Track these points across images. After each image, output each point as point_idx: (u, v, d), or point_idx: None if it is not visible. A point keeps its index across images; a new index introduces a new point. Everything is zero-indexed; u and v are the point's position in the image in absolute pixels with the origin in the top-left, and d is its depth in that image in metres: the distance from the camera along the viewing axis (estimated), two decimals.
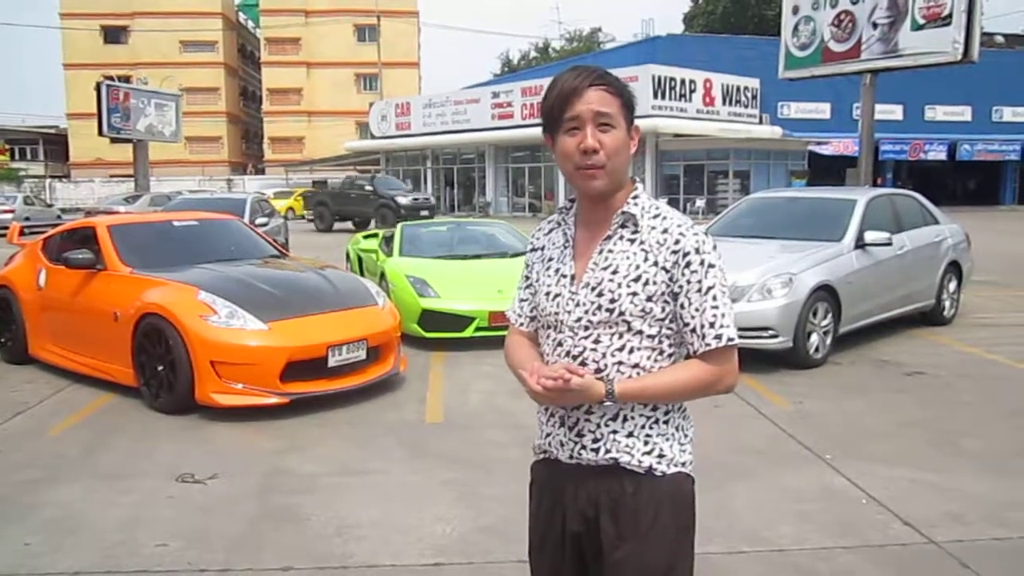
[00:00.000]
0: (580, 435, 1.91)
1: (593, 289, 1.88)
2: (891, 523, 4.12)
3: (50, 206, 34.14)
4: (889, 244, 8.17)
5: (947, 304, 9.47)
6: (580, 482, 1.93)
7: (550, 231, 2.05)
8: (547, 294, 1.95)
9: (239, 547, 3.92)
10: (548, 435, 1.99)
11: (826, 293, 7.53)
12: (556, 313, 1.92)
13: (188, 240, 7.72)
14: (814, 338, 7.44)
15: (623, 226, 1.90)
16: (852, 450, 5.21)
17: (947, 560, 3.74)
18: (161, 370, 6.13)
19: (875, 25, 15.31)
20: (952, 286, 9.55)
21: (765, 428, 5.75)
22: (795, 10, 17.06)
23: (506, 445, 5.41)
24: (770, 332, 7.16)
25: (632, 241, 1.88)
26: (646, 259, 1.85)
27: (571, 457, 1.93)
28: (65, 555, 3.83)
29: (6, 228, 12.40)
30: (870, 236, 8.05)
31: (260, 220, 13.69)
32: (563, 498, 1.96)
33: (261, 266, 7.41)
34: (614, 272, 1.87)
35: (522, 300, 2.08)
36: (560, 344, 1.92)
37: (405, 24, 59.65)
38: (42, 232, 8.62)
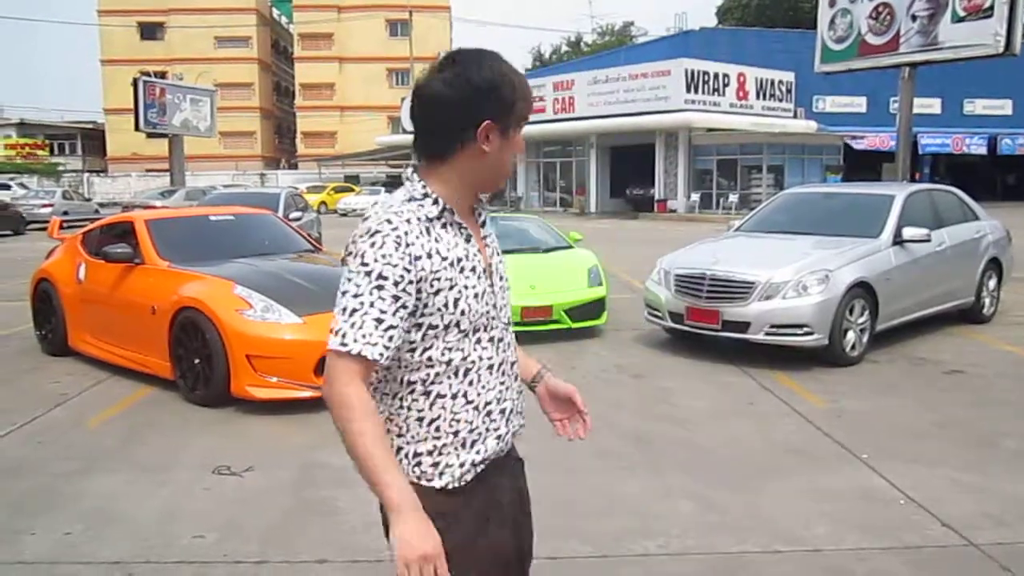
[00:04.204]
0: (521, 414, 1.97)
1: (501, 277, 1.91)
2: (929, 524, 4.06)
3: (88, 200, 34.65)
4: (928, 240, 8.03)
5: (987, 302, 9.31)
6: (510, 472, 1.96)
7: (427, 236, 1.74)
8: (476, 295, 1.79)
9: (274, 539, 3.95)
10: (499, 436, 1.87)
11: (863, 290, 7.43)
12: (487, 312, 1.82)
13: (224, 235, 7.82)
14: (850, 335, 7.34)
15: (481, 213, 1.93)
16: (889, 450, 5.14)
17: (987, 563, 3.67)
18: (198, 363, 6.20)
19: (914, 18, 15.09)
20: (992, 283, 9.39)
21: (801, 426, 5.69)
22: (832, 3, 16.86)
23: (536, 439, 5.39)
24: (806, 329, 7.08)
25: (484, 225, 1.92)
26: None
27: (502, 449, 1.90)
28: (104, 545, 3.89)
29: (46, 222, 12.62)
30: (908, 232, 7.92)
31: (294, 215, 13.81)
32: (501, 497, 1.91)
33: (295, 260, 7.47)
34: (497, 255, 1.93)
35: (393, 328, 1.67)
36: (500, 340, 1.87)
37: (437, 19, 59.71)
38: (81, 226, 8.76)
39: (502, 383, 1.86)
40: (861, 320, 7.44)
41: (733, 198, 32.37)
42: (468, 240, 1.80)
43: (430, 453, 1.79)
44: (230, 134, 56.92)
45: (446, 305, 1.74)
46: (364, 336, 1.64)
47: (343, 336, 1.65)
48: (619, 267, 13.55)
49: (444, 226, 1.76)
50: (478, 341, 1.80)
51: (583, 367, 7.50)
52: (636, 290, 10.69)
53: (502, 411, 1.86)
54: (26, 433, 5.64)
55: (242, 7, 61.34)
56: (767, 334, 7.16)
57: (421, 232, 1.71)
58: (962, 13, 14.47)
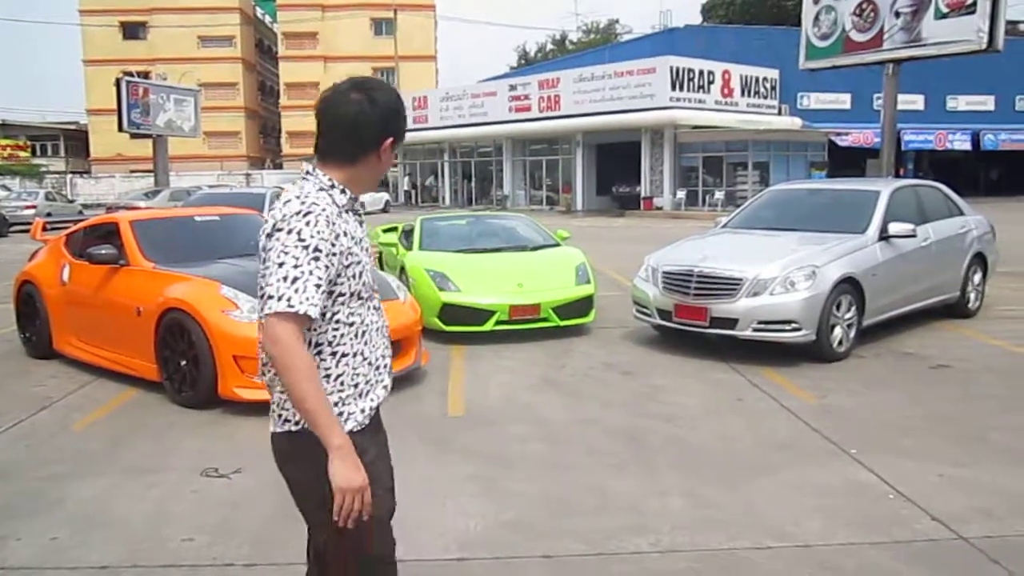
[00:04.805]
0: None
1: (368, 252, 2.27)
2: (919, 518, 4.08)
3: (71, 202, 34.36)
4: (913, 236, 8.08)
5: (972, 296, 9.37)
6: (379, 415, 2.35)
7: (341, 219, 2.14)
8: (368, 269, 2.22)
9: (264, 541, 3.93)
10: (384, 386, 2.31)
11: (850, 286, 7.45)
12: (372, 283, 2.24)
13: (210, 235, 7.76)
14: (838, 331, 7.37)
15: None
16: (878, 444, 5.16)
17: (976, 556, 3.69)
18: (184, 365, 6.16)
19: (897, 14, 15.16)
20: (977, 278, 9.44)
21: (789, 422, 5.71)
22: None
23: (528, 439, 5.40)
24: (793, 325, 7.10)
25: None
26: None
27: (384, 396, 2.33)
28: (92, 549, 3.85)
29: (29, 224, 12.51)
30: (894, 228, 7.96)
31: None
32: (381, 435, 2.39)
33: None
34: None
35: (324, 292, 2.07)
36: (379, 308, 2.28)
37: (422, 17, 59.54)
38: (64, 227, 8.68)
39: (384, 343, 2.28)
40: (848, 316, 7.46)
41: (719, 195, 32.43)
42: (361, 224, 2.23)
43: (336, 405, 2.13)
44: (214, 134, 56.61)
45: (354, 276, 2.14)
46: (308, 299, 1.99)
47: (288, 300, 1.97)
48: (606, 265, 13.55)
49: (347, 211, 2.16)
50: (369, 308, 2.21)
51: (572, 365, 7.49)
52: (624, 288, 10.70)
53: (385, 365, 2.29)
54: (11, 437, 5.59)
55: (225, 6, 60.94)
56: (755, 330, 7.18)
57: (338, 215, 2.11)
58: (945, 9, 14.54)
